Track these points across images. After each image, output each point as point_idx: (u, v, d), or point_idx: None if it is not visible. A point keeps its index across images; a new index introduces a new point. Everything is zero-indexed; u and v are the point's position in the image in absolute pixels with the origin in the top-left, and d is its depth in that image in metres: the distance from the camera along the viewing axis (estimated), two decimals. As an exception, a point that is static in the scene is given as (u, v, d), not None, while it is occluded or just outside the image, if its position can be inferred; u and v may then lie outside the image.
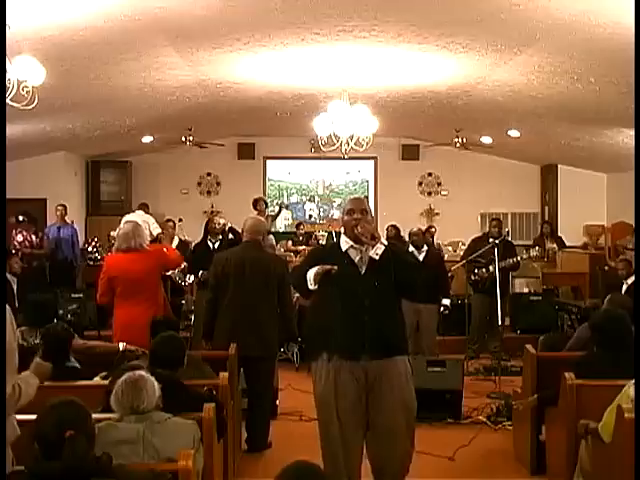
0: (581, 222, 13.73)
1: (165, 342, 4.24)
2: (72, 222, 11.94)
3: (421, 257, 7.72)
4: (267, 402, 5.80)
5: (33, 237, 10.67)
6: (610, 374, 4.29)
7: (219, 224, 8.08)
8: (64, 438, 2.53)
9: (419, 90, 8.85)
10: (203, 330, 5.79)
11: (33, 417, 2.68)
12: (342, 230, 4.13)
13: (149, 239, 6.21)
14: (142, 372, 3.50)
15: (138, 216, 11.60)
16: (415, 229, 8.09)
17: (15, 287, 8.41)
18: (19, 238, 10.50)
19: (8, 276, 8.36)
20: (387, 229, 12.26)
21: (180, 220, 11.31)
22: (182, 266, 8.33)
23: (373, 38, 6.33)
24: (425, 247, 7.95)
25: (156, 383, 3.43)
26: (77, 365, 4.67)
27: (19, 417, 3.02)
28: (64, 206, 11.45)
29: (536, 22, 5.60)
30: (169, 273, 8.12)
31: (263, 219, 5.94)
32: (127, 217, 11.86)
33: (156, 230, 9.86)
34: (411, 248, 7.81)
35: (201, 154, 13.53)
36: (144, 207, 11.80)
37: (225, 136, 13.81)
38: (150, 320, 5.05)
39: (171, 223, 9.11)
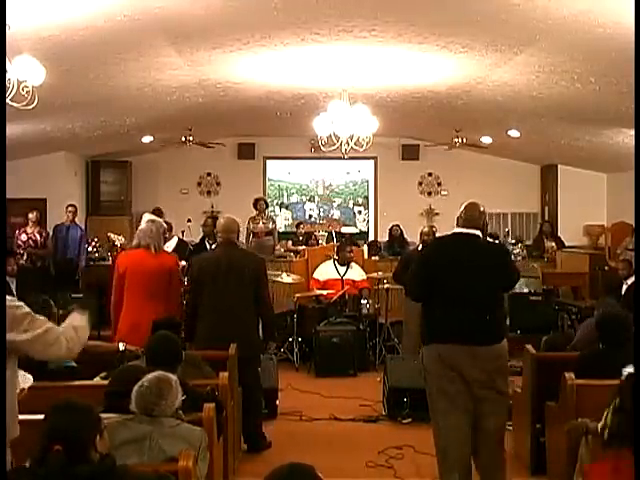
0: (581, 222, 13.74)
1: (160, 340, 4.23)
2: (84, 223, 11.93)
3: None
4: (255, 402, 5.69)
5: (37, 236, 10.63)
6: (615, 370, 4.30)
7: (209, 225, 8.07)
8: (51, 449, 2.51)
9: (419, 90, 8.84)
10: (184, 333, 5.58)
11: (30, 417, 2.68)
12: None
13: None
14: (171, 377, 3.47)
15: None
16: (426, 228, 8.07)
17: (14, 287, 8.38)
18: (22, 237, 10.50)
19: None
20: (392, 228, 12.47)
21: (189, 220, 11.29)
22: (181, 265, 8.35)
23: (373, 38, 6.33)
24: None
25: (179, 392, 3.42)
26: (74, 364, 4.67)
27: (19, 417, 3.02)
28: (75, 207, 11.43)
29: (536, 22, 5.59)
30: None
31: (236, 218, 5.82)
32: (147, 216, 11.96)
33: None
34: (421, 247, 7.83)
35: (201, 154, 13.53)
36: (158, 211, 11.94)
37: (225, 136, 13.81)
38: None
39: (165, 226, 9.05)
